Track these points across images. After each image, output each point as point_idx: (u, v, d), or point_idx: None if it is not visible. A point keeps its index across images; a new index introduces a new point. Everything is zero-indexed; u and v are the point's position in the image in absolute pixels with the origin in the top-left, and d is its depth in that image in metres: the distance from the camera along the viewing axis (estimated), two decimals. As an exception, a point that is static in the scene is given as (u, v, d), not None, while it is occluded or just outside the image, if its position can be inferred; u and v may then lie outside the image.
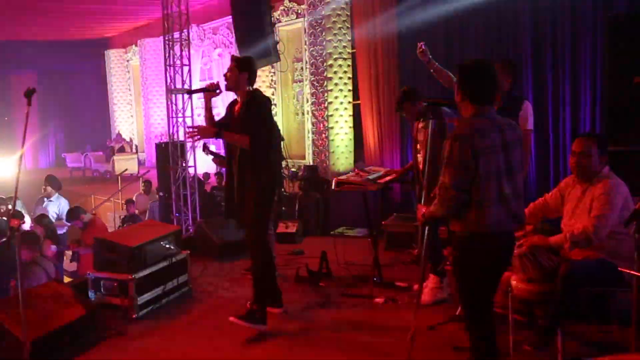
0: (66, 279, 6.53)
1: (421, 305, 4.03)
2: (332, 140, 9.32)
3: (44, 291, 4.58)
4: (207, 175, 11.86)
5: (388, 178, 5.31)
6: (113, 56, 18.94)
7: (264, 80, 11.00)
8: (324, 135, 9.40)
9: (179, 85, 8.94)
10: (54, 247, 6.32)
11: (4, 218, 7.48)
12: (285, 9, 10.41)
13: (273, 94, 10.80)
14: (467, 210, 2.99)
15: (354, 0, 9.05)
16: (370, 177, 5.27)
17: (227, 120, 4.56)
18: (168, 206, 9.41)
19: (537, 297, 3.71)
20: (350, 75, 9.30)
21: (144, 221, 8.80)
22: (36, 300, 4.32)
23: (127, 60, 18.71)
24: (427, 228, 3.75)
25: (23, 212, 7.56)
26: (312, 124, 9.66)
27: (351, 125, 9.42)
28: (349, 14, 9.20)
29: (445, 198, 3.00)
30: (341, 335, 4.42)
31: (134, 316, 4.88)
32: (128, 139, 18.57)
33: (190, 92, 4.58)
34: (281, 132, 6.38)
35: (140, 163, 17.06)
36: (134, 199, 10.82)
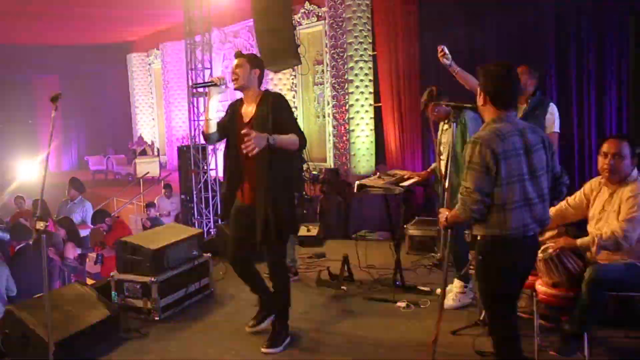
0: (89, 281, 6.60)
1: (444, 309, 4.00)
2: (353, 143, 9.30)
3: (68, 293, 4.63)
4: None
5: (411, 181, 5.28)
6: (135, 60, 19.09)
7: (284, 84, 11.02)
8: (345, 138, 9.38)
9: (200, 89, 8.97)
10: (78, 250, 6.39)
11: (23, 220, 7.60)
12: (306, 11, 10.42)
13: (294, 97, 10.80)
14: (489, 214, 2.97)
15: (375, 2, 9.04)
16: (393, 180, 5.24)
17: (229, 124, 4.16)
18: (190, 209, 9.46)
19: (563, 302, 3.67)
20: (372, 78, 9.28)
21: (166, 224, 8.86)
22: (61, 302, 4.36)
23: (149, 64, 18.85)
24: (449, 232, 3.72)
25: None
26: (333, 126, 9.65)
27: (372, 127, 9.39)
28: (369, 16, 9.18)
29: (468, 201, 2.98)
30: (363, 339, 4.39)
31: (156, 318, 4.91)
32: (150, 142, 18.72)
33: (196, 85, 4.16)
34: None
35: (162, 166, 17.18)
36: (155, 202, 10.91)
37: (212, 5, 9.66)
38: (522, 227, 2.96)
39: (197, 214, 9.20)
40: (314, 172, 9.47)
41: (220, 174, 9.46)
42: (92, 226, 7.99)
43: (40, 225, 3.66)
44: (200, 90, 8.93)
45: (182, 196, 9.98)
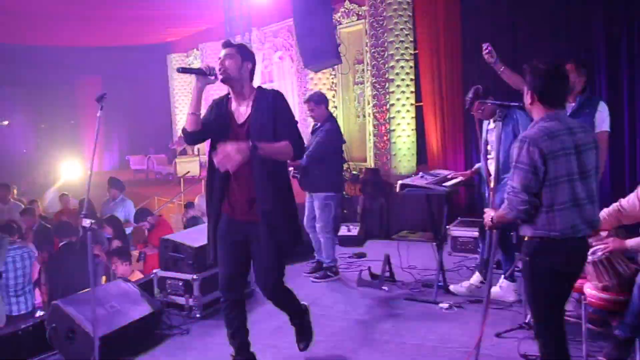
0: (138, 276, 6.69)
1: (489, 310, 3.92)
2: (394, 142, 9.22)
3: (112, 289, 4.70)
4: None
5: (454, 181, 5.21)
6: (175, 60, 19.31)
7: (324, 83, 10.99)
8: (385, 137, 9.31)
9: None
10: (122, 247, 6.48)
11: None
12: (346, 10, 10.38)
13: (333, 96, 10.77)
14: (537, 215, 2.91)
15: (416, 0, 8.95)
16: (436, 180, 5.18)
17: (215, 124, 3.54)
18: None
19: (613, 306, 3.57)
20: (413, 77, 9.19)
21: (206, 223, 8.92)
22: (106, 298, 4.43)
23: (189, 64, 19.07)
24: (495, 233, 3.66)
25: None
26: (374, 126, 9.59)
27: (413, 127, 9.30)
28: (410, 14, 9.09)
29: (515, 202, 2.92)
30: (404, 340, 4.35)
31: (197, 315, 4.95)
32: (190, 142, 18.84)
33: (182, 70, 3.30)
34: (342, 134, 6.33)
35: (202, 165, 17.32)
36: (195, 201, 11.00)
37: (252, 5, 9.69)
38: (571, 228, 2.88)
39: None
40: (354, 172, 9.44)
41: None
42: (134, 224, 8.10)
43: (86, 222, 3.73)
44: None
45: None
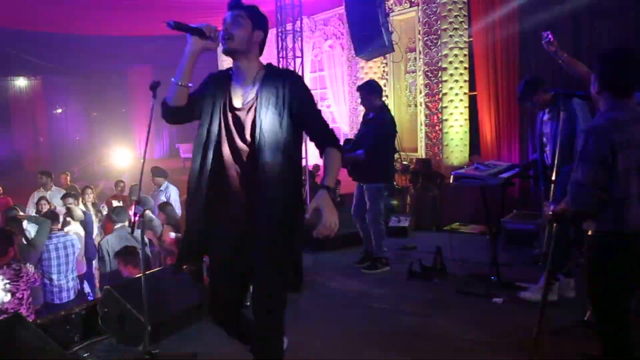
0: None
1: (545, 306, 3.78)
2: (446, 132, 9.06)
3: (164, 276, 4.73)
4: (317, 167, 11.93)
5: (510, 172, 5.05)
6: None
7: (375, 72, 10.87)
8: (437, 127, 9.16)
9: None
10: (172, 234, 6.53)
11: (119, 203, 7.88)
12: (399, -2, 10.25)
13: (385, 85, 10.63)
14: (604, 208, 2.76)
15: (472, -14, 8.75)
16: (492, 171, 5.03)
17: (205, 103, 2.87)
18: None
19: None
20: (467, 66, 9.00)
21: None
22: (157, 284, 4.46)
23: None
24: (555, 226, 3.52)
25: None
26: (425, 115, 9.44)
27: (467, 117, 9.12)
28: (465, 1, 8.89)
29: (579, 195, 2.79)
30: (457, 334, 4.24)
31: (247, 303, 4.94)
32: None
33: (175, 25, 2.59)
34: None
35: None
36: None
37: (303, -7, 9.63)
38: (641, 223, 2.73)
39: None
40: (405, 163, 9.31)
41: (312, 161, 9.45)
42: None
43: (138, 209, 3.75)
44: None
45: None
